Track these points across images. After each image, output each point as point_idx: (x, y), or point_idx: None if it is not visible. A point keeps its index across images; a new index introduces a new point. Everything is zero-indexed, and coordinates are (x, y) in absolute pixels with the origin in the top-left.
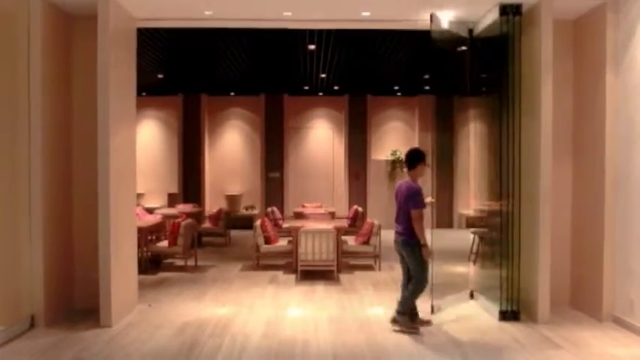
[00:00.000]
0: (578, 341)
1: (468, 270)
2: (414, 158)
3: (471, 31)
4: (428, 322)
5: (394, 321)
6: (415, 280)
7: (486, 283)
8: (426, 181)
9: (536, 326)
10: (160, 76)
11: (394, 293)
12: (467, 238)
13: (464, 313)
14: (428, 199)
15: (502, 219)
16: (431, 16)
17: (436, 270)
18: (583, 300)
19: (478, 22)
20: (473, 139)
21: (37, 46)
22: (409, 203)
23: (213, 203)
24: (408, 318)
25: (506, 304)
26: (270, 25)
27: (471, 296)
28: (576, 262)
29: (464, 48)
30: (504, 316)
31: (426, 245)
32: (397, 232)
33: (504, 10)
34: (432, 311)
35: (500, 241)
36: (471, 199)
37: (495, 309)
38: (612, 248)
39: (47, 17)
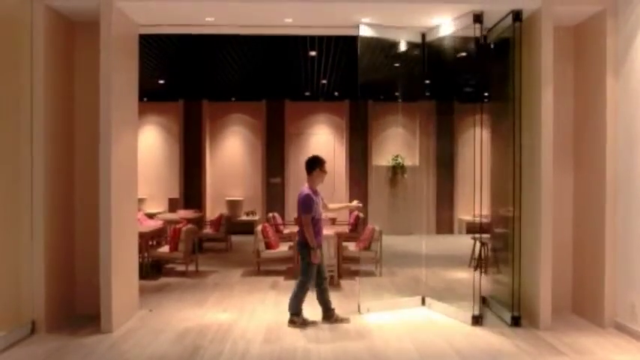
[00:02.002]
0: (580, 348)
1: (470, 276)
2: (312, 165)
3: (423, 36)
4: (344, 320)
5: (291, 322)
6: (300, 279)
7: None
8: (429, 184)
9: (537, 332)
10: (161, 82)
11: (396, 299)
12: (468, 243)
13: (441, 318)
14: (354, 203)
15: (503, 224)
16: (358, 25)
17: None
18: (585, 306)
19: (436, 29)
20: (473, 145)
21: (39, 52)
22: (300, 209)
23: (214, 209)
24: (300, 316)
25: (479, 308)
26: (271, 32)
27: (423, 302)
28: (578, 268)
29: (463, 54)
30: (477, 320)
31: (314, 249)
32: (297, 234)
33: (477, 18)
34: (359, 311)
35: (492, 246)
36: (472, 205)
37: (467, 314)
38: (614, 254)
39: (50, 23)
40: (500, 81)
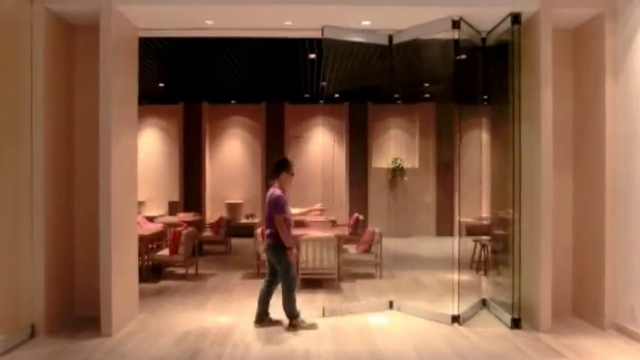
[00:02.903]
0: (581, 349)
1: (470, 278)
2: (279, 168)
3: (390, 38)
4: (277, 323)
5: (291, 326)
6: (283, 283)
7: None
8: (429, 186)
9: (538, 334)
10: (161, 84)
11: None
12: (469, 246)
13: (421, 320)
14: (317, 206)
15: (503, 226)
16: (322, 29)
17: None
18: (585, 308)
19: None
20: (474, 147)
21: (40, 56)
22: (272, 210)
23: (213, 211)
24: (299, 318)
25: (459, 309)
26: (270, 35)
27: (390, 306)
28: (578, 270)
29: (463, 57)
30: (455, 320)
31: (291, 248)
32: (266, 237)
33: (455, 24)
34: (323, 314)
35: (492, 248)
36: (472, 207)
37: (447, 315)
38: (613, 255)
39: (50, 27)
40: (499, 83)
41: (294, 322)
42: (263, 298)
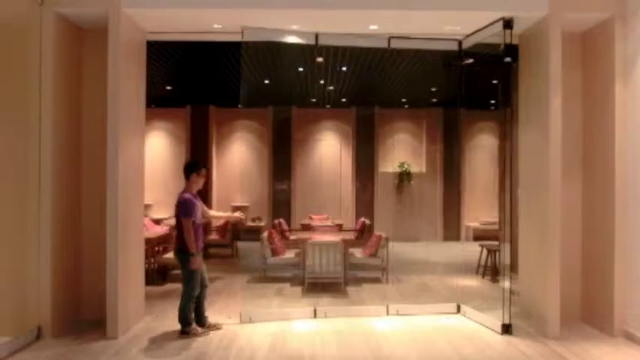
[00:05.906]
0: (590, 357)
1: (477, 283)
2: (188, 170)
3: (317, 37)
4: (217, 327)
5: (183, 333)
6: (184, 289)
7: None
8: (436, 191)
9: (546, 341)
10: (169, 87)
11: (400, 307)
12: (475, 250)
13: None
14: (236, 214)
15: (511, 232)
16: (242, 31)
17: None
18: (594, 315)
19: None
20: (480, 152)
21: (48, 59)
22: (179, 213)
23: None
24: (192, 326)
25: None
26: (278, 39)
27: (314, 314)
28: (587, 276)
29: (471, 61)
30: (387, 311)
31: (194, 255)
32: (174, 240)
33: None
34: (240, 320)
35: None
36: (479, 212)
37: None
38: (623, 262)
39: (59, 30)
40: (503, 89)
41: (186, 329)
42: (195, 309)
